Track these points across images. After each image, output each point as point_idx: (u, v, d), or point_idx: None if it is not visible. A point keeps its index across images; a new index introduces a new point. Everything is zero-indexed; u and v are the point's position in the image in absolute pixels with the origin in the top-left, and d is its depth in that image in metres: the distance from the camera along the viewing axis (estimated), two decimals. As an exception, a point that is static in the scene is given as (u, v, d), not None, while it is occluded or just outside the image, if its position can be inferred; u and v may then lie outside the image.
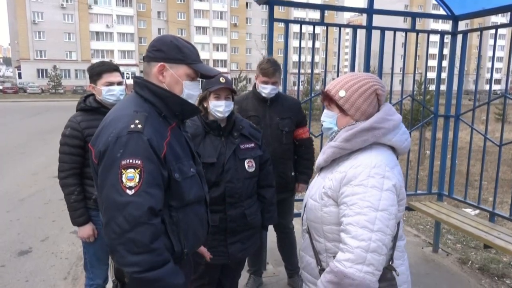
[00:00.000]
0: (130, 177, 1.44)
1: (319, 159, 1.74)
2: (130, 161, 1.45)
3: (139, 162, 1.45)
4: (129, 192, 1.43)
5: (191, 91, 1.69)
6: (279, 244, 3.57)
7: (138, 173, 1.44)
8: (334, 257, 1.55)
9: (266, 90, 3.09)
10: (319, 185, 1.69)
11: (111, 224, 1.44)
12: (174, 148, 1.61)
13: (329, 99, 1.69)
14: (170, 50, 1.63)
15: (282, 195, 3.19)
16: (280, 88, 3.38)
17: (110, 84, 2.60)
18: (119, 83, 2.63)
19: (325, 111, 1.73)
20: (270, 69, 3.05)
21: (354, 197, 1.50)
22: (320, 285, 1.54)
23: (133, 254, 1.43)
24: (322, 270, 1.65)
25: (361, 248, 1.43)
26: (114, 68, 2.67)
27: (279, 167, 3.13)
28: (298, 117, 3.25)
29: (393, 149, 1.66)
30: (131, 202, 1.43)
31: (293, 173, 3.28)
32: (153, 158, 1.49)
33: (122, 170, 1.44)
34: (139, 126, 1.50)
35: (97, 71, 2.61)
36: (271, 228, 3.47)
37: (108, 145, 1.48)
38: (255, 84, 3.22)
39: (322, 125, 1.75)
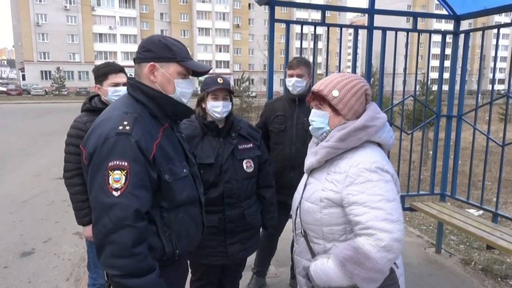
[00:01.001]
0: (116, 179, 1.44)
1: (311, 160, 1.72)
2: (117, 162, 1.45)
3: (126, 163, 1.46)
4: (115, 193, 1.44)
5: (183, 89, 1.69)
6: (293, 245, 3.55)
7: (124, 175, 1.45)
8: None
9: (290, 83, 3.06)
10: (316, 188, 1.68)
11: (97, 224, 1.46)
12: (165, 149, 1.61)
13: (321, 99, 1.69)
14: (159, 49, 1.63)
15: None
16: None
17: (116, 85, 2.62)
18: (125, 84, 2.64)
19: (315, 111, 1.72)
20: (294, 61, 3.07)
21: (364, 194, 1.51)
22: (334, 258, 1.53)
23: (114, 256, 1.43)
24: None
25: (391, 239, 1.44)
26: (120, 69, 2.68)
27: (301, 168, 3.11)
28: None
29: (379, 145, 1.69)
30: (117, 203, 1.43)
31: None
32: (141, 159, 1.49)
33: (109, 172, 1.45)
34: (127, 127, 1.50)
35: (103, 72, 2.63)
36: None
37: (96, 146, 1.49)
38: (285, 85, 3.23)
39: (310, 125, 1.74)
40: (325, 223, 1.62)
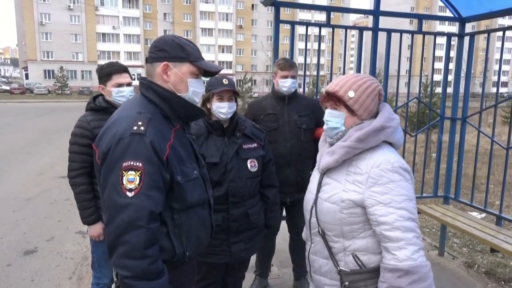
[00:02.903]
0: (131, 179, 1.44)
1: (327, 160, 1.71)
2: (131, 163, 1.45)
3: (140, 164, 1.45)
4: (129, 194, 1.43)
5: (196, 89, 1.69)
6: (291, 245, 3.54)
7: (138, 176, 1.44)
8: (352, 254, 1.64)
9: (287, 84, 3.09)
10: (336, 189, 1.68)
11: (110, 224, 1.45)
12: (177, 151, 1.61)
13: (336, 100, 1.70)
14: (173, 49, 1.63)
15: (300, 195, 3.12)
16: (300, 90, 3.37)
17: (120, 85, 2.61)
18: (129, 84, 2.65)
19: (330, 111, 1.73)
20: (287, 63, 3.12)
21: (389, 195, 1.54)
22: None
23: (126, 257, 1.42)
24: (340, 271, 1.67)
25: (416, 237, 1.52)
26: (124, 69, 2.68)
27: (297, 165, 3.13)
28: (318, 116, 3.18)
29: (390, 145, 1.71)
30: (131, 204, 1.43)
31: (311, 172, 3.21)
32: (155, 160, 1.49)
33: (123, 172, 1.44)
34: (142, 128, 1.49)
35: (107, 72, 2.62)
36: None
37: (110, 146, 1.48)
38: (273, 85, 3.24)
39: (325, 125, 1.75)
40: (346, 222, 1.64)
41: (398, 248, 1.50)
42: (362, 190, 1.58)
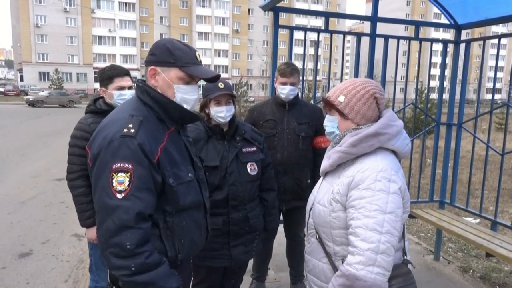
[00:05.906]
0: (120, 181, 1.45)
1: (325, 164, 1.77)
2: (121, 165, 1.46)
3: (130, 166, 1.46)
4: (119, 195, 1.44)
5: (184, 95, 1.65)
6: (288, 250, 3.56)
7: (128, 177, 1.45)
8: (342, 260, 1.59)
9: (285, 91, 3.06)
10: (327, 190, 1.71)
11: (101, 227, 1.46)
12: (170, 153, 1.61)
13: (329, 105, 1.74)
14: (161, 53, 1.62)
15: (297, 203, 3.15)
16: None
17: (121, 88, 2.62)
18: (130, 88, 2.65)
19: (327, 116, 1.79)
20: (288, 69, 3.07)
21: (362, 200, 1.53)
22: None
23: (119, 258, 1.43)
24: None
25: (371, 250, 1.46)
26: (125, 72, 2.68)
27: (294, 173, 3.12)
28: (317, 124, 3.16)
29: (394, 153, 1.70)
30: (120, 205, 1.43)
31: (309, 181, 3.19)
32: (144, 162, 1.49)
33: (113, 174, 1.45)
34: (132, 130, 1.50)
35: (109, 75, 2.62)
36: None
37: (101, 148, 1.50)
38: (274, 90, 3.23)
39: (325, 130, 1.80)
40: (334, 226, 1.65)
41: (351, 252, 1.52)
42: (345, 192, 1.60)
